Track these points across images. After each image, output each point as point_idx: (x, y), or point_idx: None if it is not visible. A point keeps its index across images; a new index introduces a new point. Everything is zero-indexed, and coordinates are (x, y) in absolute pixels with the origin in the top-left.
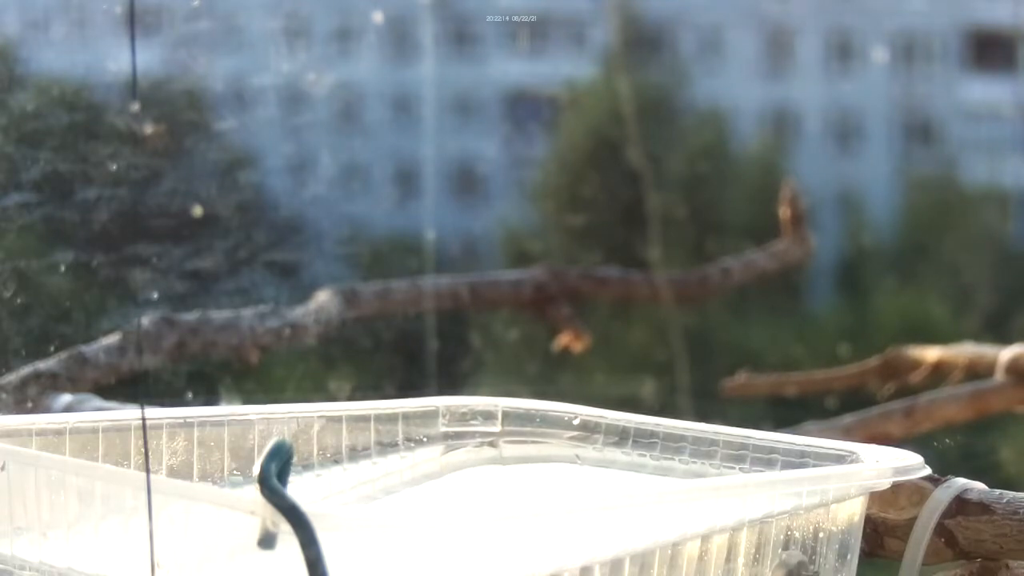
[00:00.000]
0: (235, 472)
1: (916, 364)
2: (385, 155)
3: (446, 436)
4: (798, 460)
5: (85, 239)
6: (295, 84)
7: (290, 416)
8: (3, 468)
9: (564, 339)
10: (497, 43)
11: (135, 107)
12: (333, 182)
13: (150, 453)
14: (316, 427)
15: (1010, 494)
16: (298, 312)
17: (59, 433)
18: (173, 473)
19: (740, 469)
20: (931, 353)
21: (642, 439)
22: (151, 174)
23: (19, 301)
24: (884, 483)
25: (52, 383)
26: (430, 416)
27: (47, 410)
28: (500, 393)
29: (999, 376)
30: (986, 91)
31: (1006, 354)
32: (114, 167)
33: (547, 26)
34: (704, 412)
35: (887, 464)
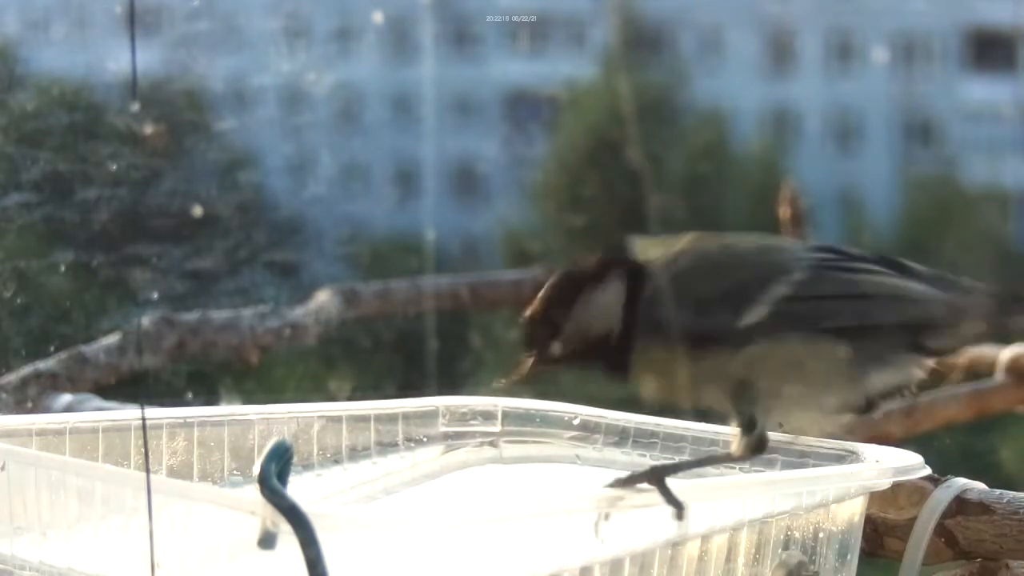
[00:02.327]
0: (235, 472)
1: None
2: (385, 155)
3: (446, 436)
4: (798, 460)
5: (85, 239)
6: (295, 84)
7: (290, 416)
8: (3, 468)
9: None
10: (497, 43)
11: (135, 107)
12: (333, 182)
13: (150, 453)
14: (316, 427)
15: (1010, 494)
16: (298, 312)
17: (59, 433)
18: (173, 473)
19: (740, 469)
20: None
21: (642, 439)
22: (151, 174)
23: (19, 301)
24: (884, 483)
25: (52, 383)
26: (430, 416)
27: (47, 410)
28: (500, 393)
29: (999, 376)
30: (986, 91)
31: (1006, 354)
32: (114, 167)
33: (547, 26)
34: (704, 412)
35: (887, 464)
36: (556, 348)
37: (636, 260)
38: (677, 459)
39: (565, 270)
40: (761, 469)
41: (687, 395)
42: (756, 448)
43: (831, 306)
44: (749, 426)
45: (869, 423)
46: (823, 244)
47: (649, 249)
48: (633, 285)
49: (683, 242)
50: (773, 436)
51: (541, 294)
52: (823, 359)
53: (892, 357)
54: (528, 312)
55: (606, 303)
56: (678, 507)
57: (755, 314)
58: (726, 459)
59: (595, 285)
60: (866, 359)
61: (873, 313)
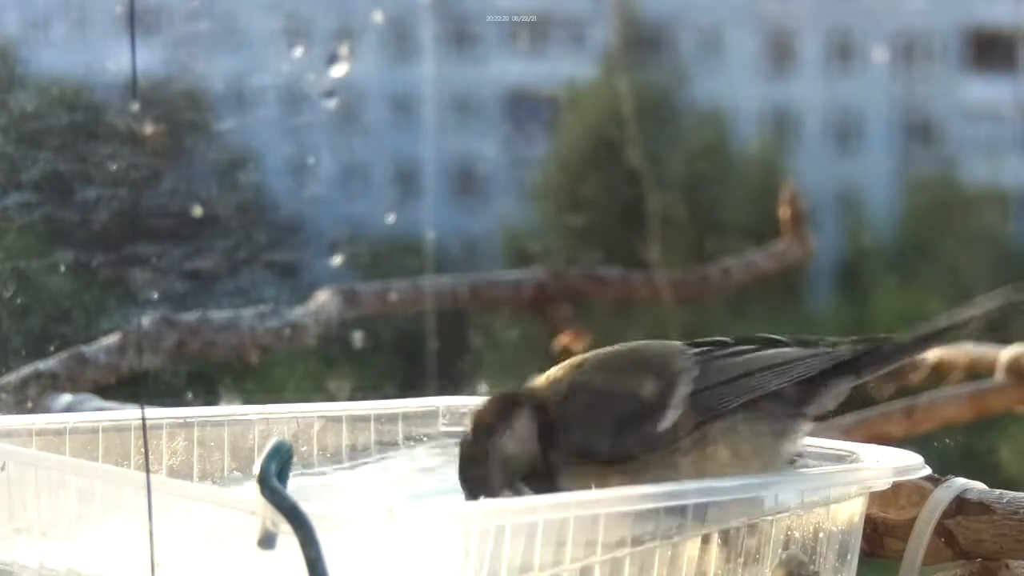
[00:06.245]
0: (235, 472)
1: (916, 364)
2: (385, 155)
3: (446, 436)
4: (798, 460)
5: (85, 239)
6: (295, 84)
7: (290, 416)
8: (3, 468)
9: (564, 339)
10: (497, 43)
11: (135, 107)
12: (333, 182)
13: (150, 453)
14: (316, 427)
15: (1010, 494)
16: (298, 312)
17: (59, 433)
18: (173, 473)
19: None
20: (931, 353)
21: None
22: (151, 174)
23: (19, 301)
24: (884, 483)
25: (52, 383)
26: (430, 416)
27: (47, 410)
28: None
29: (999, 376)
30: (986, 91)
31: (1006, 354)
32: (114, 167)
33: (547, 26)
34: None
35: (887, 464)
36: (497, 487)
37: (529, 394)
38: None
39: (472, 423)
40: None
41: None
42: None
43: (726, 389)
44: None
45: (869, 423)
46: (699, 340)
47: (535, 384)
48: (539, 416)
49: (565, 369)
50: None
51: (461, 452)
52: (743, 434)
53: (784, 422)
54: (460, 469)
55: (520, 438)
56: None
57: (670, 418)
58: None
59: (505, 426)
60: (769, 427)
61: (761, 384)
